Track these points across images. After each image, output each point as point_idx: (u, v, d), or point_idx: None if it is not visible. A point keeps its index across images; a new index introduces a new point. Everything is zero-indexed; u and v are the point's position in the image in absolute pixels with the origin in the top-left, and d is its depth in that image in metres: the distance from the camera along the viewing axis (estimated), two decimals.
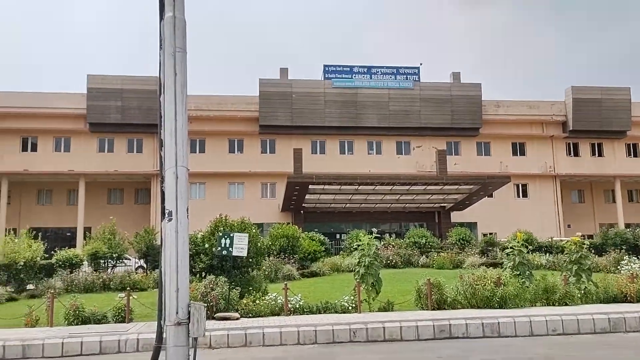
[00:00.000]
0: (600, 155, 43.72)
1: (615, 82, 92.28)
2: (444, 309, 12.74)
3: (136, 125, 38.41)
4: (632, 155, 43.94)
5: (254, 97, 40.40)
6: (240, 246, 12.80)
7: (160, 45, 5.73)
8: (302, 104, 40.39)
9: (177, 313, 5.23)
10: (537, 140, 43.14)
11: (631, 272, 15.03)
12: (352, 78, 41.47)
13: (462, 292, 13.04)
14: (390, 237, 29.27)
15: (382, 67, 42.17)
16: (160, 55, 5.69)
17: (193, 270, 14.23)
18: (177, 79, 5.57)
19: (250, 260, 14.37)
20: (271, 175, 40.37)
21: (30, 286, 19.22)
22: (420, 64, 43.26)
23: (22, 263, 18.83)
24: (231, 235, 12.98)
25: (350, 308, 12.67)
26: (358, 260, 13.55)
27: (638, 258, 18.57)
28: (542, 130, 43.05)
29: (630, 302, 13.24)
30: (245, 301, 12.54)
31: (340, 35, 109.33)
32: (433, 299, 12.77)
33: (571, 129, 42.14)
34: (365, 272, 13.12)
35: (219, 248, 12.95)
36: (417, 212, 39.33)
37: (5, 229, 34.78)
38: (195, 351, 5.41)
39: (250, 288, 13.46)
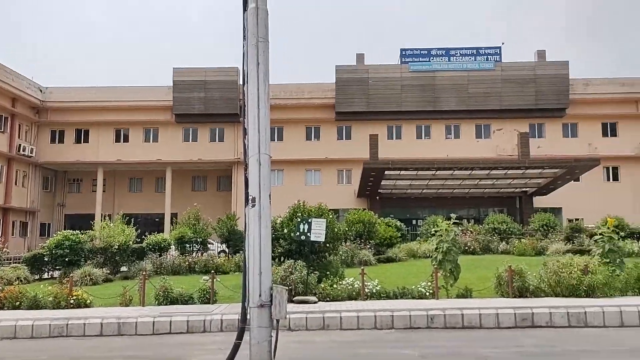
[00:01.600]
0: None
1: None
2: (526, 296, 12.36)
3: (218, 115, 40.02)
4: None
5: (330, 84, 40.67)
6: (318, 231, 13.05)
7: (244, 35, 5.96)
8: (379, 90, 40.14)
9: (260, 295, 5.51)
10: (630, 120, 40.31)
11: None
12: (429, 61, 40.61)
13: (545, 279, 12.60)
14: (469, 222, 28.58)
15: (461, 48, 40.94)
16: (243, 46, 5.93)
17: (273, 254, 14.68)
18: (260, 69, 5.78)
19: (328, 245, 14.62)
20: (347, 162, 40.57)
21: (123, 268, 20.65)
22: (502, 44, 41.68)
23: (116, 247, 20.28)
24: (309, 220, 13.26)
25: (427, 294, 12.60)
26: (436, 246, 13.41)
27: None
28: (636, 109, 40.16)
29: None
30: (322, 285, 12.81)
31: (416, 18, 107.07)
32: (514, 287, 12.42)
33: None
34: (443, 258, 12.98)
35: (298, 233, 13.28)
36: (497, 197, 38.09)
37: (101, 215, 37.57)
38: (277, 332, 5.68)
39: (328, 272, 13.72)
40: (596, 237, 14.33)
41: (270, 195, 5.66)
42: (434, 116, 40.53)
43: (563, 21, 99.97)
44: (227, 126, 41.05)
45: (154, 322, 10.70)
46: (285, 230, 14.62)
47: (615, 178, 40.25)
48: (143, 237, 23.23)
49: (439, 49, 40.97)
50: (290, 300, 11.96)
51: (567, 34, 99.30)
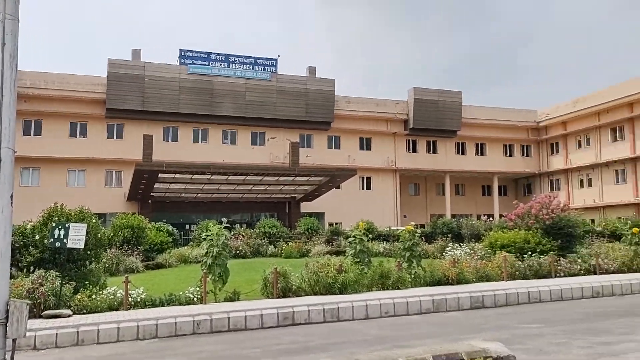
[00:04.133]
0: (434, 152, 48.08)
1: (454, 85, 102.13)
2: (289, 296, 13.15)
3: None
4: (461, 153, 49.02)
5: (101, 77, 37.65)
6: (76, 237, 11.92)
7: None
8: (155, 89, 38.58)
9: None
10: (382, 136, 46.14)
11: (453, 257, 16.89)
12: (209, 65, 40.55)
13: (306, 279, 13.58)
14: (241, 227, 29.35)
15: (240, 56, 41.83)
16: None
17: (19, 264, 12.97)
18: (6, 49, 5.04)
19: (89, 252, 13.47)
20: (117, 162, 38.05)
21: None
22: (278, 56, 43.72)
23: None
24: (67, 225, 12.03)
25: (195, 299, 12.51)
26: (206, 250, 13.41)
27: (460, 245, 20.90)
28: (386, 127, 46.14)
29: (451, 284, 14.85)
30: (79, 297, 11.72)
31: (200, 24, 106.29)
32: (279, 288, 13.11)
33: (411, 127, 45.77)
34: (213, 263, 13.05)
35: (52, 240, 11.94)
36: (269, 202, 39.90)
37: None
38: (12, 353, 4.99)
39: (87, 282, 12.62)
40: (349, 240, 16.00)
41: (12, 197, 4.97)
42: (212, 120, 40.62)
43: (335, 41, 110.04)
44: None
45: None
46: (38, 237, 13.06)
47: (369, 187, 45.61)
48: None
49: (218, 54, 41.24)
50: (39, 315, 10.69)
51: (338, 53, 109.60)
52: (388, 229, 29.85)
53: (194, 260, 21.48)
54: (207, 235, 13.70)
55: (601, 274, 16.63)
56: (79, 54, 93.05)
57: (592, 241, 22.78)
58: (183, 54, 40.35)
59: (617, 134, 44.52)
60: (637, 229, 18.37)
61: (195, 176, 32.66)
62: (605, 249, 19.27)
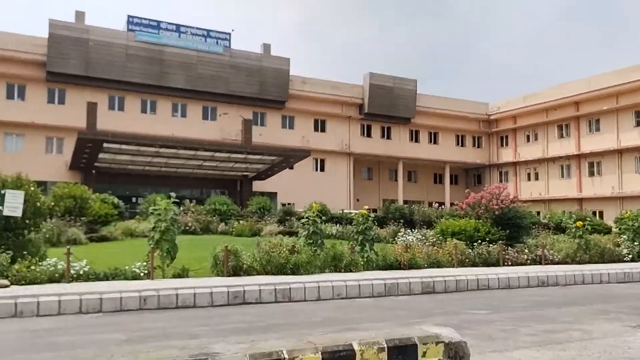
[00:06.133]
0: (388, 138, 48.55)
1: (409, 72, 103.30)
2: (240, 275, 12.82)
3: None
4: (414, 141, 49.74)
5: (41, 38, 35.59)
6: (13, 205, 11.14)
7: None
8: (100, 54, 36.82)
9: None
10: (337, 119, 46.09)
11: (405, 243, 16.99)
12: (159, 34, 39.03)
13: (258, 259, 13.28)
14: (191, 202, 28.59)
15: (192, 27, 40.57)
16: None
17: None
18: None
19: (28, 221, 12.64)
20: (59, 129, 36.25)
21: None
22: (232, 30, 42.86)
23: None
24: (2, 192, 11.21)
25: (142, 275, 11.98)
26: (154, 225, 12.88)
27: (412, 231, 21.11)
28: (341, 110, 46.09)
29: (403, 269, 14.91)
30: (17, 267, 10.98)
31: None
32: (229, 266, 12.75)
33: (366, 111, 45.95)
34: (161, 238, 12.53)
35: None
36: (220, 179, 39.17)
37: None
38: None
39: (25, 253, 11.84)
40: (303, 221, 15.78)
41: None
42: (161, 92, 39.29)
43: (293, 18, 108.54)
44: None
45: None
46: None
47: (322, 169, 45.60)
48: None
49: (169, 23, 39.79)
50: None
51: (296, 31, 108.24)
52: (341, 211, 29.89)
53: (141, 234, 20.74)
54: (155, 210, 13.15)
55: (546, 264, 17.15)
56: (19, 13, 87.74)
57: (538, 233, 23.55)
58: (131, 20, 38.65)
59: (564, 131, 46.31)
60: (581, 223, 19.06)
61: (143, 148, 31.55)
62: (550, 241, 19.91)
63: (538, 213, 37.48)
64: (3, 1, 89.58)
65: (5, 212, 11.15)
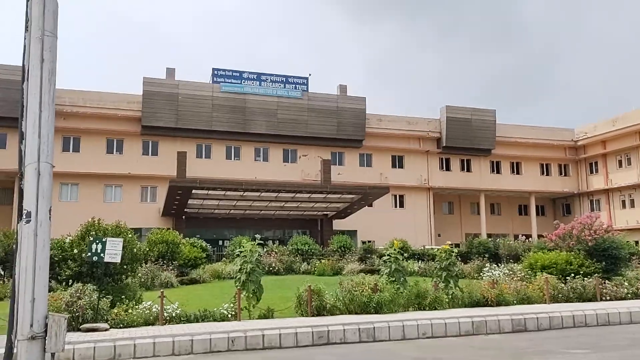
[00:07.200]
0: (468, 170, 47.33)
1: (486, 104, 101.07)
2: (324, 315, 12.91)
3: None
4: (495, 172, 48.12)
5: (137, 95, 38.56)
6: (113, 252, 12.00)
7: (26, 27, 5.19)
8: (189, 106, 39.24)
9: (31, 326, 4.73)
10: (414, 154, 45.71)
11: (492, 278, 16.38)
12: (241, 84, 41.09)
13: (341, 298, 13.33)
14: (274, 243, 29.32)
15: (272, 74, 42.30)
16: (25, 38, 5.15)
17: (59, 278, 13.15)
18: (45, 66, 5.06)
19: (125, 267, 13.56)
20: (152, 178, 38.67)
21: None
22: (310, 75, 44.12)
23: None
24: (103, 240, 12.13)
25: (229, 316, 12.39)
26: (240, 266, 13.33)
27: (498, 265, 20.31)
28: (419, 145, 45.71)
29: (491, 305, 14.37)
30: (116, 311, 11.76)
31: (232, 41, 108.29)
32: (313, 306, 12.90)
33: (444, 145, 45.23)
34: (247, 279, 12.95)
35: (89, 254, 12.04)
36: (301, 219, 39.80)
37: None
38: None
39: (123, 297, 12.67)
40: (384, 258, 15.70)
41: (50, 211, 4.94)
42: (244, 138, 41.00)
43: (365, 59, 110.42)
44: (10, 131, 35.88)
45: None
46: (76, 251, 13.23)
47: (402, 205, 45.09)
48: None
49: (250, 72, 41.77)
50: (77, 329, 10.72)
51: (369, 71, 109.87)
52: (422, 248, 29.37)
53: (227, 276, 21.47)
54: (241, 252, 13.63)
55: None
56: (115, 73, 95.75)
57: (639, 264, 21.87)
58: (216, 72, 41.02)
59: None
60: None
61: (228, 193, 32.89)
62: None
63: (636, 243, 34.75)
64: (101, 62, 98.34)
65: (106, 259, 12.02)
